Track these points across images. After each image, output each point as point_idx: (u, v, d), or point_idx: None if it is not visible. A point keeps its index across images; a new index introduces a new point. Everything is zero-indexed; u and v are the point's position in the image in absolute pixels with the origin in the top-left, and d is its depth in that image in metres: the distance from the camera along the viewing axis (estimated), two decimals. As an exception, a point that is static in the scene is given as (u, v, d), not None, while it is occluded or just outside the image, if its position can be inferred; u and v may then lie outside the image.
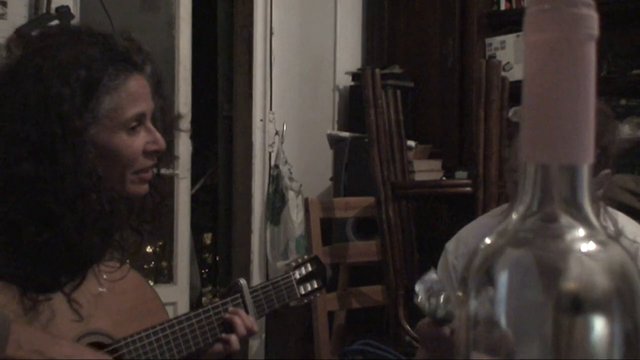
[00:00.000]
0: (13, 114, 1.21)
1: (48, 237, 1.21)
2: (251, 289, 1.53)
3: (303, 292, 1.63)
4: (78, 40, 1.26)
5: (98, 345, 1.32)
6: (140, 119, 1.29)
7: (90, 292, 1.33)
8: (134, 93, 1.28)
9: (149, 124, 1.31)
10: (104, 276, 1.35)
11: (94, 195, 1.23)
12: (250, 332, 1.48)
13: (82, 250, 1.25)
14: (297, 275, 1.62)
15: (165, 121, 1.39)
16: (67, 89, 1.20)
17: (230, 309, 1.49)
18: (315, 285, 1.66)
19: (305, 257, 1.69)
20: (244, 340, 1.50)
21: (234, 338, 1.46)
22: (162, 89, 1.38)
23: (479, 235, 1.60)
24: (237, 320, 1.46)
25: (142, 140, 1.30)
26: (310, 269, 1.65)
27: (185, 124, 1.49)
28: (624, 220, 1.55)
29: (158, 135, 1.31)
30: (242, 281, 1.53)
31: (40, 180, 1.20)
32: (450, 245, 1.64)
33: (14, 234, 1.21)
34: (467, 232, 1.65)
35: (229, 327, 1.47)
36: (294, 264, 1.66)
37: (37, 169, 1.19)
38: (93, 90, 1.23)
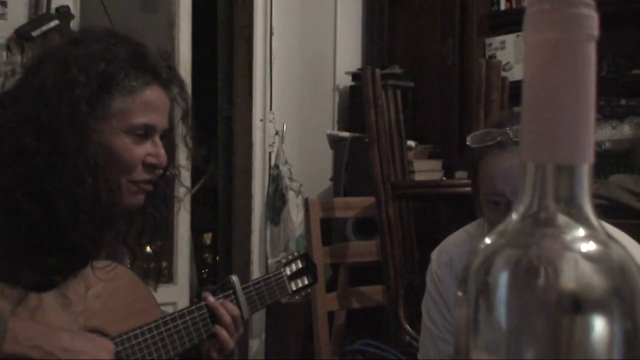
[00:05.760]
0: (30, 92, 1.25)
1: (43, 218, 1.22)
2: (243, 285, 1.55)
3: (294, 288, 1.65)
4: (109, 39, 1.29)
5: None
6: (148, 130, 1.29)
7: (84, 291, 1.33)
8: (148, 102, 1.29)
9: (157, 139, 1.31)
10: (98, 275, 1.35)
11: (91, 182, 1.24)
12: (235, 320, 1.47)
13: (76, 240, 1.25)
14: (288, 272, 1.64)
15: (186, 150, 1.42)
16: (83, 77, 1.23)
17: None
18: (306, 282, 1.68)
19: (296, 254, 1.72)
20: (236, 335, 1.49)
21: (220, 328, 1.46)
22: (190, 119, 1.39)
23: (460, 244, 1.62)
24: (216, 305, 1.46)
25: (144, 150, 1.30)
26: (300, 265, 1.67)
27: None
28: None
29: (162, 151, 1.31)
30: (234, 278, 1.55)
31: (40, 157, 1.22)
32: (434, 254, 1.68)
33: (12, 213, 1.23)
34: (449, 241, 1.68)
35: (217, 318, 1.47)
36: (284, 260, 1.68)
37: (39, 145, 1.22)
38: (107, 85, 1.25)
